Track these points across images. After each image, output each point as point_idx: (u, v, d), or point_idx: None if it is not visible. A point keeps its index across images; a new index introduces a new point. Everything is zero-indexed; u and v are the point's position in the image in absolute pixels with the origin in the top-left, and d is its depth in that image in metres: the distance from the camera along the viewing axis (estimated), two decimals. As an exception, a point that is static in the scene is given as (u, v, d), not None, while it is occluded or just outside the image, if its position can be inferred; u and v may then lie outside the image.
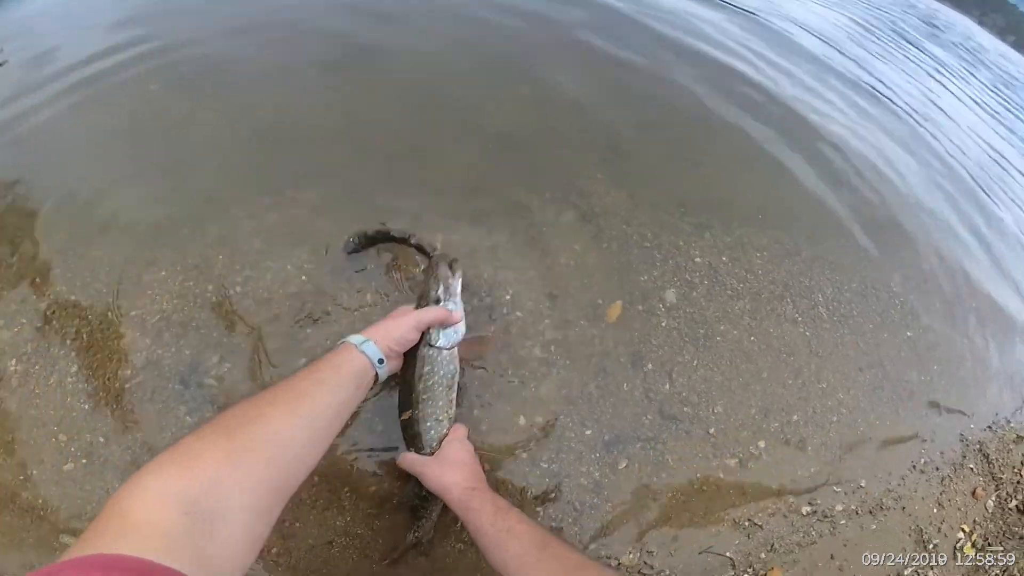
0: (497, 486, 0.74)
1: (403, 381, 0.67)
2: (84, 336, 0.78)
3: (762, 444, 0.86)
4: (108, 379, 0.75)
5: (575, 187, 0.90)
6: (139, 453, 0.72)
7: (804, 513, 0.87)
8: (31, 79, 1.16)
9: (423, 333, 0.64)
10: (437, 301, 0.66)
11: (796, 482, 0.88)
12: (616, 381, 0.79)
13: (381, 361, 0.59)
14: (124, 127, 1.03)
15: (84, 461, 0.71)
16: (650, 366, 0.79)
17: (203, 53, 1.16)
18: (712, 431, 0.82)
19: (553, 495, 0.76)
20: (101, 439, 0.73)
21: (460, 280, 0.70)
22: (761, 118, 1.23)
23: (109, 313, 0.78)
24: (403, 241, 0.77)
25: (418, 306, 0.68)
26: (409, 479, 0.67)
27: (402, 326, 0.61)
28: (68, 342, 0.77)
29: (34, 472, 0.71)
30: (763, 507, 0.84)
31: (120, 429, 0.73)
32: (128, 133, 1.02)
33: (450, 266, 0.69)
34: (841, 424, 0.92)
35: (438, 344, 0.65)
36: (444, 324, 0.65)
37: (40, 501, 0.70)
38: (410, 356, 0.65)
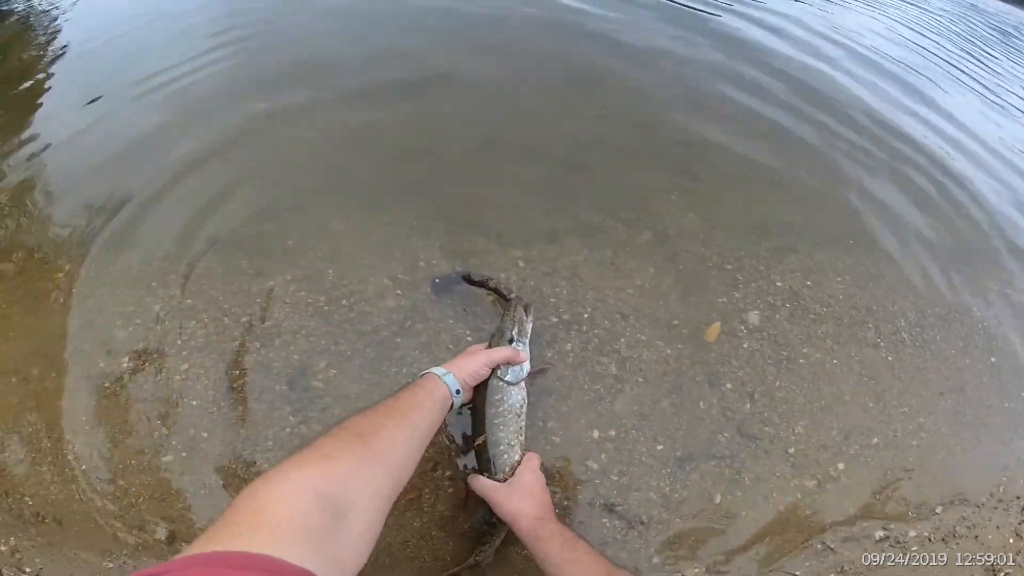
0: (566, 495, 0.76)
1: (476, 409, 0.74)
2: (199, 336, 0.85)
3: (841, 466, 0.86)
4: (218, 379, 0.82)
5: (649, 208, 0.92)
6: (240, 449, 0.76)
7: (877, 538, 0.85)
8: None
9: (494, 369, 0.73)
10: (511, 340, 0.75)
11: (872, 506, 0.86)
12: (692, 399, 0.81)
13: (458, 391, 0.66)
14: (240, 149, 1.11)
15: (184, 454, 0.76)
16: (729, 386, 0.80)
17: (308, 79, 1.25)
18: (792, 451, 0.82)
19: (621, 507, 0.79)
20: (204, 434, 0.77)
21: (532, 323, 0.79)
22: (843, 138, 1.21)
23: (224, 318, 0.86)
24: (482, 285, 0.85)
25: (492, 342, 0.78)
26: (480, 506, 0.70)
27: (476, 363, 0.70)
28: (180, 342, 0.85)
29: (132, 461, 0.76)
30: (837, 530, 0.83)
31: (224, 426, 0.77)
32: (234, 148, 1.11)
33: (526, 309, 0.78)
34: (921, 448, 0.90)
35: (506, 379, 0.73)
36: (512, 362, 0.73)
37: (133, 489, 0.74)
38: (481, 387, 0.73)
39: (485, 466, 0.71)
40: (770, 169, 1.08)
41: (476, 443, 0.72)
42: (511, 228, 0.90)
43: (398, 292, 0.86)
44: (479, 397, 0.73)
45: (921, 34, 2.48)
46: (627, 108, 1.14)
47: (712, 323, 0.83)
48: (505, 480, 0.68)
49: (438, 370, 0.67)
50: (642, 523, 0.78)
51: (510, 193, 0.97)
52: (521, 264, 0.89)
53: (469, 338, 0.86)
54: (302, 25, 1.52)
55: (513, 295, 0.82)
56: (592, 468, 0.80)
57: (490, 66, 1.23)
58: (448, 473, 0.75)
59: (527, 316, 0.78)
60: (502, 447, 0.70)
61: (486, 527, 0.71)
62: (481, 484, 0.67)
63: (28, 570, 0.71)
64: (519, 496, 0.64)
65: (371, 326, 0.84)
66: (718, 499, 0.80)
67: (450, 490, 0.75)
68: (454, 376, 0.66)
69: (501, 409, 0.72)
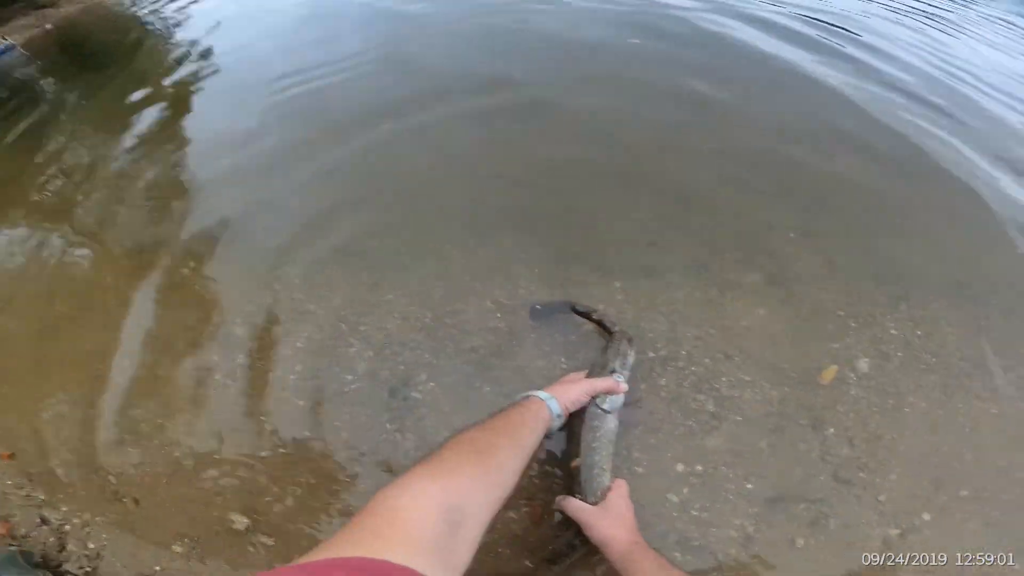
0: (640, 525, 0.74)
1: (572, 434, 0.76)
2: (315, 340, 0.88)
3: (927, 517, 0.85)
4: (328, 383, 0.84)
5: (762, 247, 0.91)
6: (337, 452, 0.78)
7: None
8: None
9: (592, 397, 0.75)
10: (612, 372, 0.77)
11: (952, 559, 0.86)
12: (791, 441, 0.81)
13: (559, 416, 0.68)
14: (364, 167, 1.17)
15: (283, 451, 0.79)
16: (832, 430, 0.79)
17: (423, 111, 1.30)
18: (882, 498, 0.82)
19: (697, 542, 0.78)
20: (306, 433, 0.80)
21: (634, 357, 0.80)
22: (969, 176, 1.15)
23: (342, 324, 0.89)
24: (586, 316, 0.85)
25: (592, 372, 0.79)
26: (567, 528, 0.72)
27: (577, 390, 0.72)
28: (297, 344, 0.88)
29: (230, 455, 0.78)
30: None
31: (327, 428, 0.80)
32: (358, 169, 1.17)
33: (629, 342, 0.80)
34: (1012, 503, 0.89)
35: (604, 407, 0.75)
36: (611, 392, 0.74)
37: (223, 480, 0.76)
38: (578, 413, 0.75)
39: (577, 489, 0.72)
40: (894, 209, 1.05)
41: (572, 466, 0.74)
42: (612, 259, 0.90)
43: (498, 315, 0.88)
44: (576, 422, 0.74)
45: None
46: (741, 141, 1.11)
47: (829, 366, 0.82)
48: (595, 504, 0.69)
49: (542, 394, 0.68)
50: (717, 560, 0.78)
51: (613, 225, 0.97)
52: (620, 297, 0.89)
53: (564, 366, 0.87)
54: (420, 50, 1.59)
55: (617, 328, 0.83)
56: (672, 501, 0.80)
57: (594, 95, 1.23)
58: (525, 492, 0.76)
59: (630, 349, 0.80)
60: (595, 471, 0.72)
61: (567, 549, 0.72)
62: (574, 506, 0.68)
63: (92, 546, 0.74)
64: (611, 519, 0.65)
65: (470, 345, 0.86)
66: (800, 543, 0.80)
67: (524, 509, 0.76)
68: (557, 401, 0.68)
69: (598, 435, 0.74)
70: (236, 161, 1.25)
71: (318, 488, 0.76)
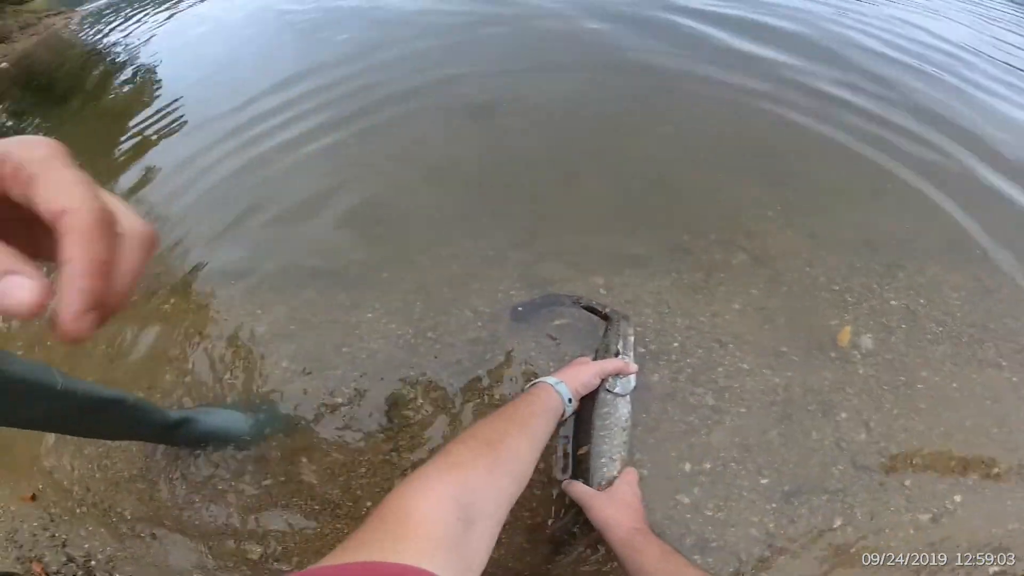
0: (653, 528, 0.71)
1: (581, 420, 0.73)
2: (299, 361, 0.85)
3: (958, 499, 0.79)
4: (317, 404, 0.82)
5: (742, 227, 0.88)
6: (337, 475, 0.76)
7: (991, 574, 0.79)
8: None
9: (603, 380, 0.72)
10: (616, 354, 0.75)
11: (990, 540, 0.80)
12: (803, 430, 0.76)
13: (570, 400, 0.66)
14: (327, 181, 1.15)
15: (282, 479, 0.77)
16: (844, 415, 0.74)
17: (379, 115, 1.28)
18: (907, 483, 0.76)
19: (716, 544, 0.74)
20: (303, 460, 0.78)
21: (633, 336, 0.78)
22: (953, 134, 1.14)
23: (325, 344, 0.87)
24: (573, 304, 0.83)
25: (596, 356, 0.76)
26: (566, 512, 0.70)
27: (587, 373, 0.69)
28: (284, 364, 0.85)
29: (223, 486, 0.76)
30: (949, 566, 0.77)
31: (323, 451, 0.78)
32: (327, 185, 1.13)
33: (626, 320, 0.78)
34: (1048, 477, 0.83)
35: (615, 390, 0.72)
36: (621, 374, 0.72)
37: (227, 511, 0.74)
38: (588, 399, 0.72)
39: (584, 475, 0.70)
40: (872, 175, 1.02)
41: (579, 452, 0.72)
42: (591, 253, 0.88)
43: (479, 324, 0.85)
44: (586, 408, 0.72)
45: None
46: (703, 119, 1.10)
47: (842, 327, 0.78)
48: (602, 490, 0.67)
49: (551, 380, 0.67)
50: (740, 561, 0.73)
51: (587, 217, 0.94)
52: (603, 291, 0.86)
53: (551, 367, 0.83)
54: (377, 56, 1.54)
55: (608, 309, 0.80)
56: (683, 503, 0.76)
57: (553, 86, 1.21)
58: (527, 503, 0.72)
59: (629, 328, 0.77)
60: (603, 459, 0.69)
61: (566, 536, 0.70)
62: (579, 490, 0.66)
63: (119, 576, 0.73)
64: (616, 506, 0.63)
65: (454, 358, 0.83)
66: (828, 537, 0.75)
67: (537, 492, 0.72)
68: (567, 386, 0.66)
69: (608, 422, 0.71)
70: (198, 193, 1.23)
71: (323, 514, 0.74)
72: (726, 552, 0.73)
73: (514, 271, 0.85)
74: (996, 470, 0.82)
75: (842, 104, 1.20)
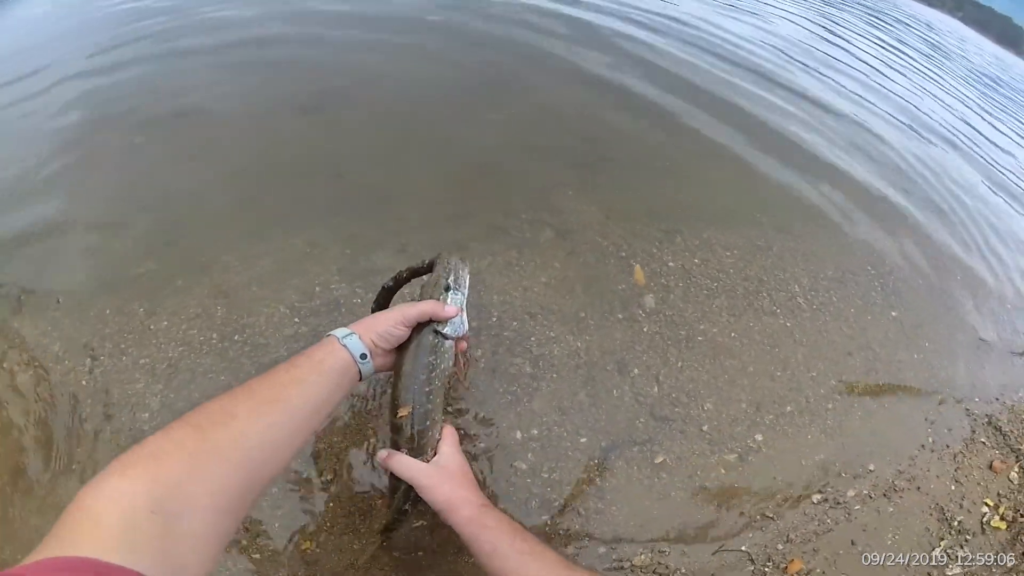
0: (498, 498, 0.74)
1: (400, 376, 0.60)
2: (97, 378, 0.79)
3: (759, 437, 0.87)
4: (125, 421, 0.76)
5: (551, 206, 0.94)
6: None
7: (815, 501, 0.87)
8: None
9: (423, 324, 0.60)
10: (447, 288, 0.63)
11: (802, 472, 0.88)
12: (605, 388, 0.82)
13: (364, 356, 0.55)
14: (113, 179, 1.07)
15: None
16: (636, 371, 0.81)
17: (179, 102, 1.23)
18: (705, 428, 0.83)
19: (557, 504, 0.77)
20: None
21: (468, 273, 0.66)
22: (724, 119, 1.28)
23: (123, 357, 0.81)
24: (405, 281, 0.71)
25: (422, 296, 0.63)
26: (392, 492, 0.61)
27: (387, 320, 0.58)
28: (84, 382, 0.79)
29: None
30: (772, 499, 0.84)
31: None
32: (114, 183, 1.06)
33: (461, 260, 0.66)
34: (838, 410, 0.92)
35: (445, 331, 0.60)
36: (435, 317, 0.60)
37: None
38: (408, 350, 0.60)
39: (407, 443, 0.58)
40: (661, 154, 1.13)
41: (399, 415, 0.59)
42: (413, 239, 0.89)
43: (296, 320, 0.83)
44: (404, 361, 0.60)
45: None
46: (521, 107, 1.17)
47: (634, 267, 0.84)
48: (429, 461, 0.58)
49: (340, 332, 0.55)
50: (581, 516, 0.77)
51: (409, 204, 0.96)
52: (426, 277, 0.89)
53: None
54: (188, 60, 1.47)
55: (434, 256, 0.68)
56: (521, 469, 0.79)
57: (382, 79, 1.24)
58: (380, 489, 0.70)
59: (463, 266, 0.65)
60: (429, 422, 0.59)
61: (396, 516, 0.62)
62: (405, 464, 0.57)
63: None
64: (454, 481, 0.56)
65: (270, 357, 0.80)
66: (646, 483, 0.80)
67: (384, 509, 0.69)
68: (359, 338, 0.55)
69: (433, 375, 0.59)
70: None
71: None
72: (569, 510, 0.76)
73: (333, 264, 0.85)
74: (788, 408, 0.91)
75: (639, 96, 1.33)
